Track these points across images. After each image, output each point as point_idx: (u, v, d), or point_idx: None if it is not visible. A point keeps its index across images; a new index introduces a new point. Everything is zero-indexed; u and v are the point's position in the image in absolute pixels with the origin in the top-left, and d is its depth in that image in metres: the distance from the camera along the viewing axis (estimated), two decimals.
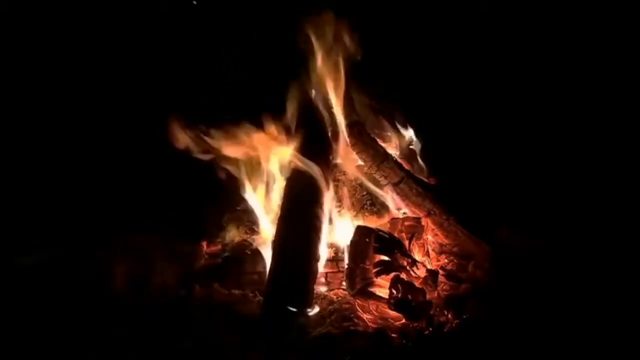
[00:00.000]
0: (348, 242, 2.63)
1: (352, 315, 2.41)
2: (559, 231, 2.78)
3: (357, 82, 3.24)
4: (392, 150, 3.25)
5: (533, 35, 4.18)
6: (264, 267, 2.71)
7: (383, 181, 2.93)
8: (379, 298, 2.45)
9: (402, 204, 2.96)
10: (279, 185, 2.99)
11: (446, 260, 2.80)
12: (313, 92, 3.19)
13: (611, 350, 2.12)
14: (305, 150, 2.88)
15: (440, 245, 2.88)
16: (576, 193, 3.22)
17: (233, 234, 3.05)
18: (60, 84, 3.98)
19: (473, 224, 2.78)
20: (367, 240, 2.55)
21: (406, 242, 2.71)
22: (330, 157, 3.06)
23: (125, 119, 3.90)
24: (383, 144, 3.16)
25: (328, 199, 2.82)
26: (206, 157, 2.90)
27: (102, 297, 2.48)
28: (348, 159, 3.14)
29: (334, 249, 2.82)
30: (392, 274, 2.48)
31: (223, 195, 3.10)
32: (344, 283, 2.60)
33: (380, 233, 2.62)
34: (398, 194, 2.91)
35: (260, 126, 2.96)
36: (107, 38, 4.15)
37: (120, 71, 4.09)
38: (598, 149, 3.60)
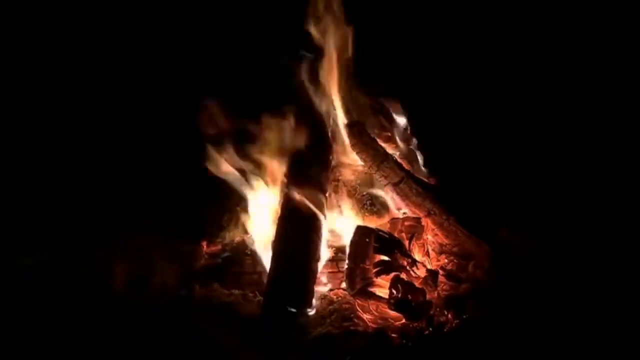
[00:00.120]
0: (348, 242, 2.63)
1: (352, 315, 2.41)
2: (559, 231, 2.79)
3: (357, 81, 3.24)
4: (392, 150, 3.25)
5: (533, 35, 4.18)
6: (264, 267, 2.71)
7: (383, 181, 2.92)
8: (379, 298, 2.45)
9: (402, 204, 2.96)
10: (278, 185, 2.99)
11: (446, 260, 2.80)
12: (313, 92, 3.18)
13: (611, 350, 2.12)
14: (304, 150, 2.88)
15: (440, 245, 2.88)
16: (576, 193, 3.22)
17: (233, 234, 3.05)
18: (60, 84, 3.98)
19: (473, 224, 2.78)
20: (367, 240, 2.55)
21: (406, 242, 2.71)
22: (330, 158, 3.06)
23: (125, 119, 3.90)
24: (383, 144, 3.16)
25: (328, 199, 2.82)
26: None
27: (102, 297, 2.48)
28: (348, 159, 3.14)
29: (334, 249, 2.82)
30: (392, 274, 2.48)
31: (223, 195, 3.10)
32: (343, 283, 2.60)
33: (380, 233, 2.62)
34: (398, 194, 2.90)
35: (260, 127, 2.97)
36: (107, 38, 4.15)
37: (120, 71, 4.09)
38: (598, 149, 3.60)
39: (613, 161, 3.47)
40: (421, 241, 2.77)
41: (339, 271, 2.74)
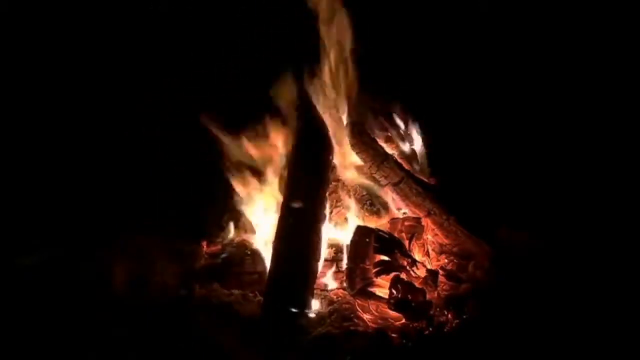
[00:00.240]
0: (348, 242, 2.63)
1: (352, 315, 2.41)
2: (559, 231, 2.79)
3: (357, 81, 3.23)
4: (392, 150, 3.25)
5: (533, 35, 4.18)
6: (264, 267, 2.71)
7: (383, 181, 2.92)
8: (379, 298, 2.45)
9: (402, 204, 2.96)
10: (278, 185, 2.99)
11: (446, 260, 2.80)
12: (313, 92, 3.18)
13: (611, 350, 2.12)
14: (305, 150, 2.88)
15: (440, 245, 2.88)
16: (576, 193, 3.22)
17: (233, 234, 3.05)
18: (60, 84, 3.98)
19: (473, 224, 2.78)
20: (367, 240, 2.55)
21: (406, 242, 2.71)
22: (330, 157, 3.06)
23: (125, 119, 3.90)
24: (383, 144, 3.16)
25: (328, 198, 2.82)
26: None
27: (102, 297, 2.48)
28: (348, 159, 3.14)
29: (334, 249, 2.82)
30: (392, 274, 2.48)
31: (223, 195, 3.10)
32: (344, 283, 2.59)
33: (380, 233, 2.62)
34: (398, 194, 2.90)
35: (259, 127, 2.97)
36: (107, 38, 4.15)
37: (120, 71, 4.09)
38: (598, 148, 3.60)
39: (613, 161, 3.47)
40: (421, 241, 2.77)
41: (339, 271, 2.74)
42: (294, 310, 2.34)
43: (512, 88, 4.01)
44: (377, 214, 2.94)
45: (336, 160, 3.12)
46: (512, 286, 2.45)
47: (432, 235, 2.90)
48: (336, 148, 3.11)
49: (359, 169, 3.08)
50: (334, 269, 2.73)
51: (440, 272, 2.65)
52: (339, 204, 2.99)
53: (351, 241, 2.59)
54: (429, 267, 2.66)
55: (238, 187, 3.03)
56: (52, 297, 2.49)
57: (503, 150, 3.61)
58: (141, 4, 4.22)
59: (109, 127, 3.86)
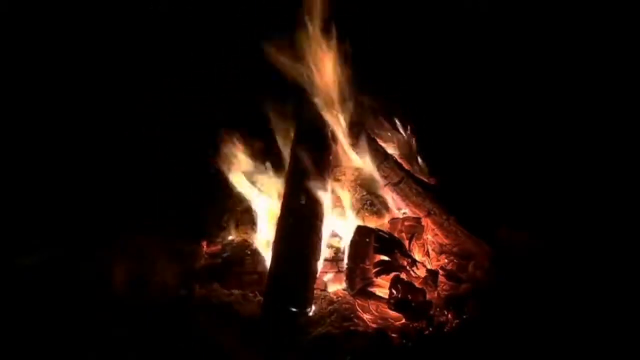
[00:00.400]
0: (348, 242, 2.63)
1: (352, 315, 2.41)
2: (559, 231, 2.79)
3: (357, 81, 3.23)
4: (392, 150, 3.25)
5: (533, 35, 4.18)
6: (264, 267, 2.71)
7: (383, 181, 2.92)
8: (379, 298, 2.45)
9: (402, 204, 2.96)
10: (279, 185, 2.99)
11: (446, 260, 2.80)
12: (313, 92, 3.18)
13: (611, 350, 2.12)
14: (305, 150, 2.88)
15: (440, 245, 2.88)
16: (576, 193, 3.22)
17: (233, 234, 3.05)
18: (61, 83, 3.98)
19: (473, 224, 2.78)
20: (367, 240, 2.55)
21: (406, 242, 2.71)
22: (330, 157, 3.06)
23: (125, 119, 3.90)
24: (383, 144, 3.16)
25: (328, 199, 2.82)
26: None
27: (102, 297, 2.48)
28: (348, 159, 3.14)
29: (334, 249, 2.82)
30: (392, 274, 2.48)
31: (223, 195, 3.10)
32: (344, 283, 2.59)
33: (380, 233, 2.62)
34: (398, 194, 2.91)
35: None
36: (107, 38, 4.15)
37: (120, 71, 4.09)
38: (598, 148, 3.60)
39: (613, 161, 3.47)
40: (421, 241, 2.77)
41: (339, 271, 2.74)
42: (294, 310, 2.34)
43: (512, 88, 4.01)
44: (377, 214, 2.93)
45: (336, 160, 3.13)
46: (512, 286, 2.45)
47: (432, 235, 2.90)
48: (336, 148, 3.11)
49: (358, 169, 3.09)
50: (334, 269, 2.74)
51: (440, 272, 2.65)
52: (339, 204, 2.99)
53: (351, 241, 2.59)
54: (429, 267, 2.66)
55: (239, 186, 3.04)
56: (52, 297, 2.49)
57: (503, 150, 3.61)
58: (141, 4, 4.23)
59: (109, 127, 3.86)
